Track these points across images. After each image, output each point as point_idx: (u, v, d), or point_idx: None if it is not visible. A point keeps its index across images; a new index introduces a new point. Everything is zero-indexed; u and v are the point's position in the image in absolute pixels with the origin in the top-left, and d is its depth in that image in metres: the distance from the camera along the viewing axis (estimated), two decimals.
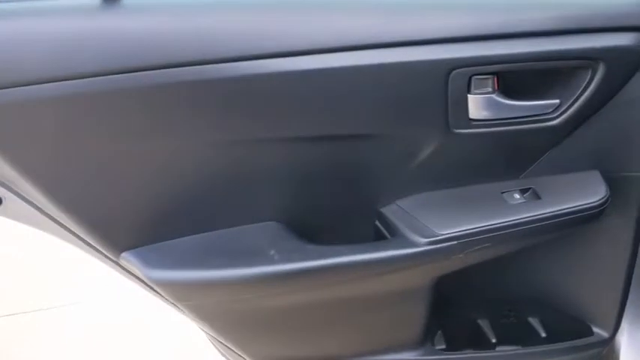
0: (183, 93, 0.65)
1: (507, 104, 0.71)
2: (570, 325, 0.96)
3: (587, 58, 0.69)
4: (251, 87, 0.66)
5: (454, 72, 0.68)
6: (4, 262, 2.00)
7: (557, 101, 0.72)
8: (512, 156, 0.79)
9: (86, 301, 1.77)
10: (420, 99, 0.70)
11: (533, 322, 0.98)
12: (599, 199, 0.76)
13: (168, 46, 0.64)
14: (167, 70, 0.64)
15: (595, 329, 0.96)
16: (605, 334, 0.95)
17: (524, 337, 0.97)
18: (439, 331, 0.97)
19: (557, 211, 0.75)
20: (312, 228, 0.81)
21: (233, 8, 0.68)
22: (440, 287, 0.85)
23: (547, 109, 0.73)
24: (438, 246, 0.74)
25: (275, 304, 0.78)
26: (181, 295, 0.74)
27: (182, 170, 0.72)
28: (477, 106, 0.71)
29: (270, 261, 0.72)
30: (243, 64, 0.65)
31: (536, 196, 0.78)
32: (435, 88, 0.69)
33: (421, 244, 0.73)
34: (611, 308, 0.93)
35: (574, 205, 0.75)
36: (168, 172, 0.71)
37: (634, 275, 0.91)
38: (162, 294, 0.74)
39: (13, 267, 1.99)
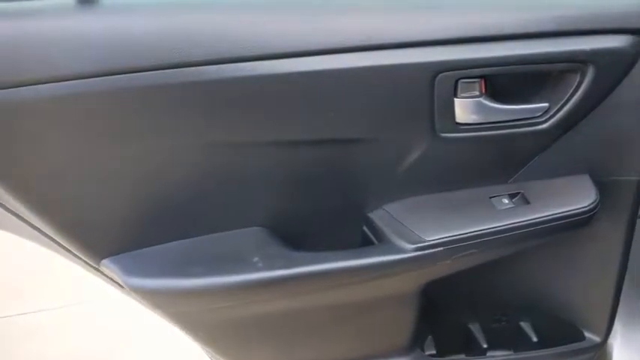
0: (164, 95, 0.64)
1: (495, 108, 0.70)
2: (562, 330, 0.95)
3: (576, 61, 0.68)
4: (235, 90, 0.65)
5: (440, 75, 0.67)
6: (5, 263, 1.99)
7: (546, 105, 0.71)
8: (501, 160, 0.77)
9: (89, 301, 1.76)
10: (405, 103, 0.69)
11: (525, 326, 0.97)
12: (589, 204, 0.74)
13: (150, 48, 0.62)
14: (148, 72, 0.63)
15: (587, 334, 0.95)
16: (597, 339, 0.94)
17: (515, 342, 0.96)
18: (429, 337, 0.96)
19: (547, 216, 0.74)
20: (299, 233, 0.79)
21: (218, 9, 0.67)
22: (430, 292, 0.83)
23: (536, 112, 0.71)
24: (425, 252, 0.72)
25: (260, 311, 0.76)
26: (162, 303, 0.73)
27: (164, 175, 0.70)
28: (464, 109, 0.70)
29: (254, 268, 0.71)
30: (229, 67, 0.64)
31: (526, 201, 0.76)
32: (420, 92, 0.68)
33: (408, 250, 0.72)
34: (602, 313, 0.92)
35: (563, 210, 0.74)
36: (150, 176, 0.70)
37: (625, 279, 0.90)
38: (142, 302, 0.73)
39: (14, 268, 1.97)
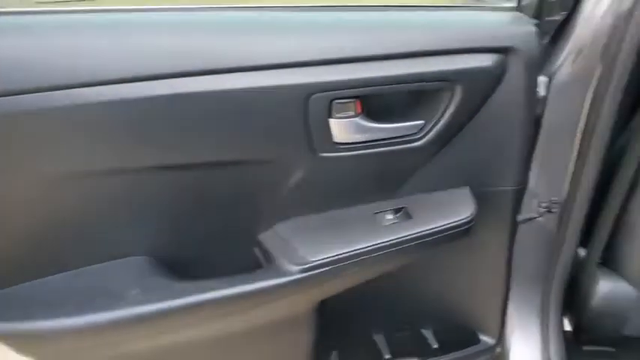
0: (24, 121, 0.59)
1: (372, 127, 0.71)
2: (459, 335, 0.99)
3: (445, 80, 0.70)
4: (105, 113, 0.61)
5: (313, 96, 0.66)
6: None
7: (422, 122, 0.73)
8: (383, 177, 0.78)
9: None
10: (282, 124, 0.68)
11: (427, 333, 1.00)
12: (467, 217, 0.77)
13: (11, 72, 0.57)
14: (6, 98, 0.58)
15: (482, 337, 0.99)
16: (491, 341, 0.98)
17: (417, 349, 0.98)
18: (334, 352, 0.96)
19: (428, 230, 0.76)
20: (189, 260, 0.76)
21: (89, 30, 0.63)
22: (332, 306, 0.83)
23: (412, 130, 0.73)
24: (311, 273, 0.72)
25: (142, 347, 0.72)
26: (26, 346, 0.67)
27: (27, 206, 0.65)
28: (340, 129, 0.70)
29: (128, 302, 0.67)
30: (98, 90, 0.60)
31: (408, 216, 0.78)
32: (295, 113, 0.67)
33: (293, 272, 0.71)
34: (493, 316, 0.96)
35: (443, 223, 0.76)
36: (9, 208, 0.64)
37: (511, 283, 0.95)
38: (7, 347, 0.67)
39: None
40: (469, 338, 0.98)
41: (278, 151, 0.71)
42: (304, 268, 0.71)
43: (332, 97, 0.67)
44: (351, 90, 0.67)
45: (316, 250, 0.73)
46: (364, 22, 0.71)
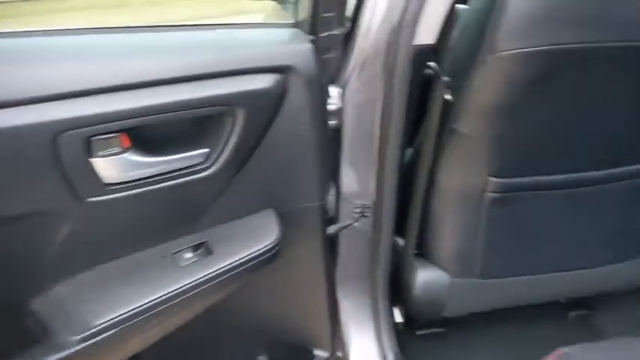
0: None
1: (147, 161, 0.63)
2: (294, 355, 0.96)
3: (224, 105, 0.65)
4: None
5: (63, 135, 0.56)
6: None
7: (207, 150, 0.67)
8: (175, 212, 0.71)
9: None
10: (30, 171, 0.57)
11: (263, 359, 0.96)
12: (272, 241, 0.73)
13: None
14: None
15: (316, 351, 0.98)
16: (325, 354, 0.98)
17: None
18: None
19: (231, 263, 0.70)
20: None
21: None
22: (158, 353, 0.73)
23: (197, 159, 0.67)
24: (96, 339, 0.61)
25: None
26: None
27: None
28: (109, 168, 0.61)
29: None
30: None
31: (209, 251, 0.71)
32: (42, 156, 0.56)
33: (72, 343, 0.60)
34: (324, 327, 0.95)
35: (248, 252, 0.72)
36: None
37: (340, 289, 0.95)
38: None
39: None
40: (303, 356, 0.97)
41: (33, 203, 0.59)
42: (85, 336, 0.60)
43: (87, 133, 0.57)
44: (113, 123, 0.58)
45: (100, 311, 0.62)
46: (124, 45, 0.63)
